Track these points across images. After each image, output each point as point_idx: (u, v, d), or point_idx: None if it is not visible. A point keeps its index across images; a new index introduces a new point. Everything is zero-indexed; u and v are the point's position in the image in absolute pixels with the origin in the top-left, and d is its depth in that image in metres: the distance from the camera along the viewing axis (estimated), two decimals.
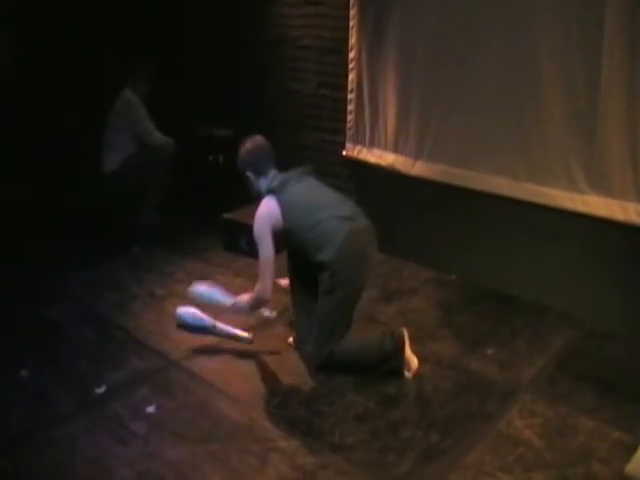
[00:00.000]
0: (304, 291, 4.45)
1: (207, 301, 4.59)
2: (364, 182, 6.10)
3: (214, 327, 4.68)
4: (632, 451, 3.40)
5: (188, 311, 4.78)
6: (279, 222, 4.21)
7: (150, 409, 3.89)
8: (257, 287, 4.23)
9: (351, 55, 5.89)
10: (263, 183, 4.38)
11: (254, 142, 4.47)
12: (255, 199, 4.43)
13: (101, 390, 4.08)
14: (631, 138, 4.38)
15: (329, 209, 4.26)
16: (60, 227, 6.41)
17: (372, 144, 5.96)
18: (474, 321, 4.87)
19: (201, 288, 4.63)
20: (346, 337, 4.22)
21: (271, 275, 4.21)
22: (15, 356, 4.46)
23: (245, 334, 4.63)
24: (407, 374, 4.18)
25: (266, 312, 4.74)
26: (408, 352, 4.17)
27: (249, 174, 4.41)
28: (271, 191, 4.29)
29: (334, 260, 4.11)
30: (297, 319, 4.53)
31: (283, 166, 4.46)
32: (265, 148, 4.47)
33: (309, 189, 4.40)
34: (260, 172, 4.39)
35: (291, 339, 4.59)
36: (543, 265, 4.98)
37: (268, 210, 4.24)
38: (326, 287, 4.17)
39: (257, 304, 4.35)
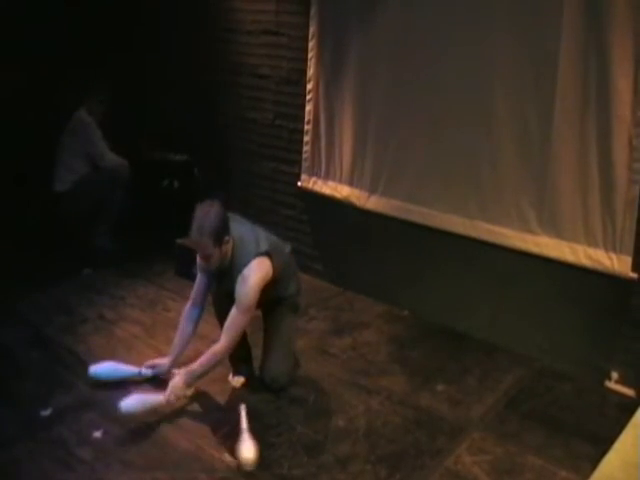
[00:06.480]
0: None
1: (143, 410, 3.99)
2: (319, 214, 6.11)
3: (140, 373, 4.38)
4: None
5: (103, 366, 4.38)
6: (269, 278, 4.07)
7: (97, 434, 3.84)
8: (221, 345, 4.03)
9: (309, 86, 5.91)
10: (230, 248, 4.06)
11: (215, 205, 3.99)
12: (216, 270, 4.12)
13: (46, 412, 4.02)
14: (582, 181, 4.45)
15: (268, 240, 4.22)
16: (10, 246, 6.27)
17: (327, 176, 5.94)
18: (425, 357, 4.89)
19: (129, 402, 3.96)
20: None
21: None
22: None
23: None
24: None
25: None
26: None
27: (227, 239, 3.99)
28: (265, 254, 4.04)
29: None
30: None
31: (236, 197, 4.34)
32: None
33: (252, 228, 4.27)
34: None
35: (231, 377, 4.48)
36: (495, 303, 5.03)
37: (266, 272, 4.03)
38: (294, 306, 4.51)
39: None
